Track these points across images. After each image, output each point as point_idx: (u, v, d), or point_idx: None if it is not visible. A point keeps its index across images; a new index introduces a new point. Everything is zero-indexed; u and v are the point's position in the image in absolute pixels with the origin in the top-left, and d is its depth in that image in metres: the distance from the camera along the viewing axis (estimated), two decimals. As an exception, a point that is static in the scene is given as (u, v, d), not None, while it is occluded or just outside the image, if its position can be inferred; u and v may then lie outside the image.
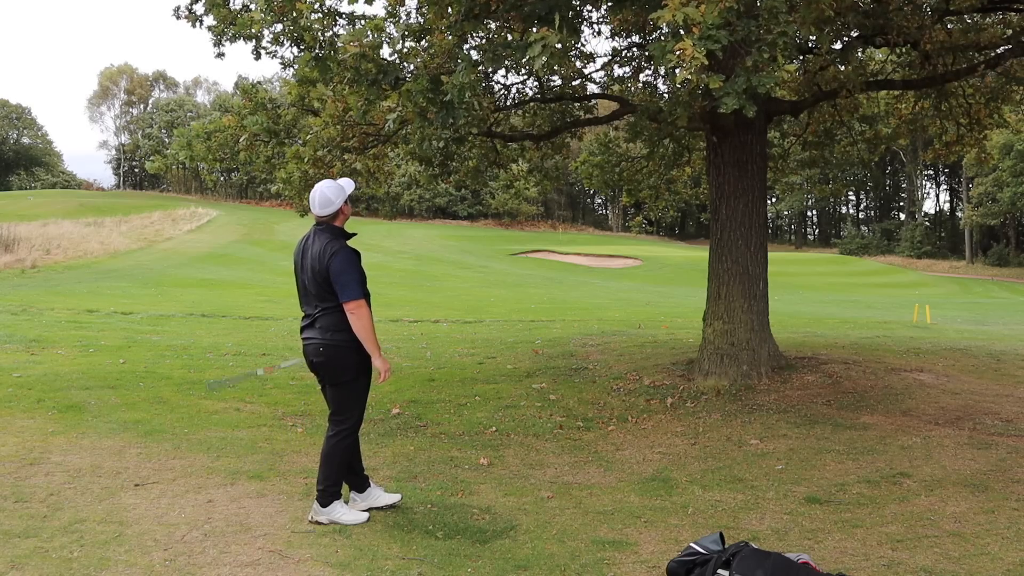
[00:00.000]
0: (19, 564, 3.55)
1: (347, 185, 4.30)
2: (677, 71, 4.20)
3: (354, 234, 4.38)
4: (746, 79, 4.57)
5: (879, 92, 9.59)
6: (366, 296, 4.20)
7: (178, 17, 7.12)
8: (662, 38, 4.36)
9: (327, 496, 4.19)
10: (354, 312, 4.12)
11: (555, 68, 6.00)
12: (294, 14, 6.23)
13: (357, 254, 4.22)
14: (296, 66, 6.93)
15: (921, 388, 7.31)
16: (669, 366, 8.27)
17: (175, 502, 4.45)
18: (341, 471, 4.28)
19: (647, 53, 8.99)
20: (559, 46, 4.48)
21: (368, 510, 4.34)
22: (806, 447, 5.73)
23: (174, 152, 8.60)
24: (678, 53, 4.08)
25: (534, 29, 5.10)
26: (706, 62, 4.06)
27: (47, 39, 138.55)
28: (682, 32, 4.12)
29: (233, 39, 6.79)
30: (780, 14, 4.65)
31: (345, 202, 4.27)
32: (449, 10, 5.82)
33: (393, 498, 4.46)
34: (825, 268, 43.30)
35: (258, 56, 6.96)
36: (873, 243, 66.59)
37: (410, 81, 5.89)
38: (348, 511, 4.24)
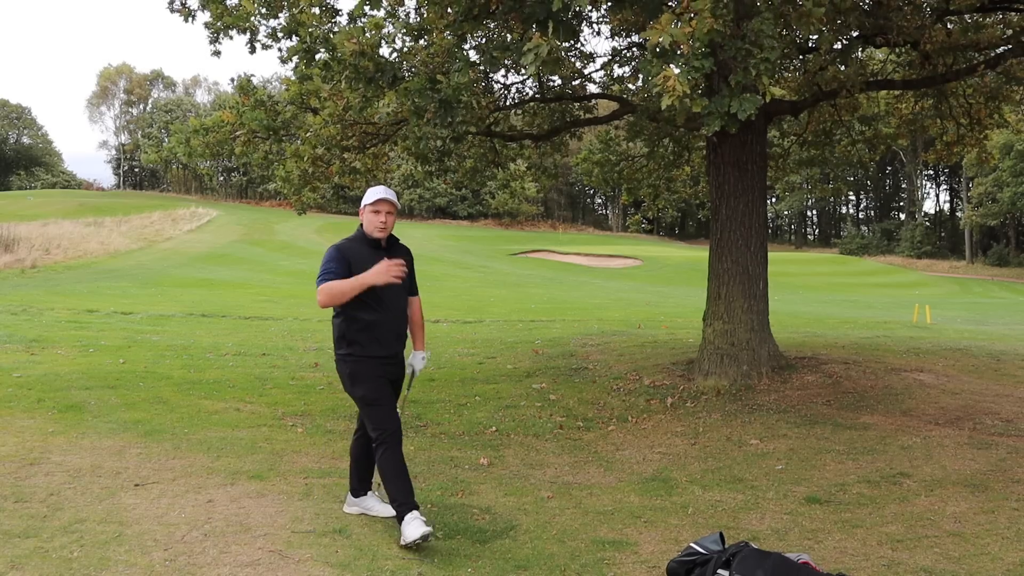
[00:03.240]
0: (19, 564, 3.55)
1: (371, 193, 4.16)
2: (662, 98, 4.25)
3: (357, 235, 4.23)
4: (728, 101, 4.61)
5: (879, 92, 9.60)
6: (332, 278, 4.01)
7: (172, 11, 7.13)
8: (650, 56, 4.38)
9: (400, 512, 3.99)
10: (319, 298, 4.02)
11: (548, 74, 6.02)
12: (295, 10, 6.23)
13: (335, 247, 4.13)
14: (293, 60, 6.93)
15: (921, 388, 7.31)
16: (669, 366, 8.27)
17: (175, 502, 4.45)
18: (399, 485, 4.03)
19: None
20: (550, 54, 4.50)
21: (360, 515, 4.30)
22: (806, 447, 5.73)
23: (170, 147, 8.59)
24: (663, 81, 4.13)
25: (534, 29, 5.11)
26: (688, 91, 4.12)
27: (47, 39, 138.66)
28: (668, 53, 4.17)
29: (226, 30, 6.79)
30: (766, 37, 4.67)
31: (363, 207, 4.18)
32: (449, 10, 5.83)
33: (387, 511, 4.21)
34: (825, 268, 43.31)
35: (253, 50, 6.97)
36: (873, 243, 66.62)
37: (408, 80, 5.89)
38: (414, 527, 3.91)
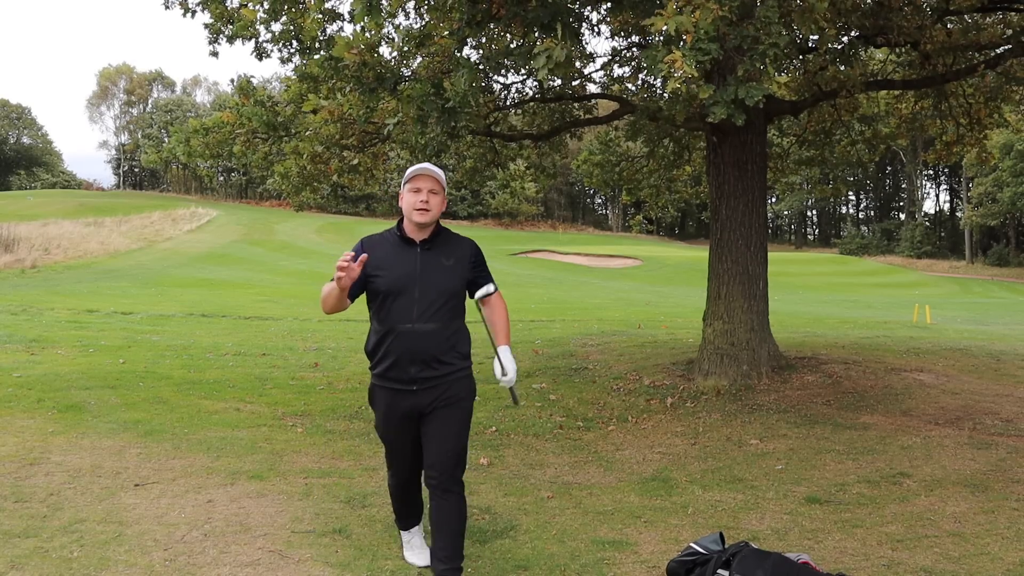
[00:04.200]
0: (19, 564, 3.55)
1: (410, 170, 3.35)
2: (667, 81, 4.20)
3: (393, 228, 3.42)
4: (735, 89, 4.58)
5: (879, 92, 9.60)
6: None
7: (168, 7, 7.13)
8: (656, 44, 4.37)
9: (397, 525, 3.83)
10: None
11: (561, 74, 6.02)
12: (295, 15, 6.23)
13: (360, 241, 3.39)
14: (297, 62, 6.92)
15: (921, 388, 7.31)
16: (669, 366, 8.27)
17: (175, 502, 4.45)
18: (396, 507, 3.73)
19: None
20: (564, 57, 4.48)
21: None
22: (806, 447, 5.73)
23: (170, 147, 8.59)
24: (668, 64, 4.09)
25: (536, 33, 5.11)
26: (695, 74, 4.08)
27: (47, 39, 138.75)
28: (673, 42, 4.13)
29: (231, 39, 6.81)
30: (772, 24, 4.66)
31: (402, 188, 3.36)
32: (452, 15, 5.83)
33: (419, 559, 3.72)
34: (825, 268, 43.31)
35: (260, 57, 6.99)
36: (873, 243, 66.64)
37: (410, 85, 5.89)
38: (407, 549, 3.78)
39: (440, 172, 3.31)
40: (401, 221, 3.36)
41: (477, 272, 3.40)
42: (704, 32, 4.02)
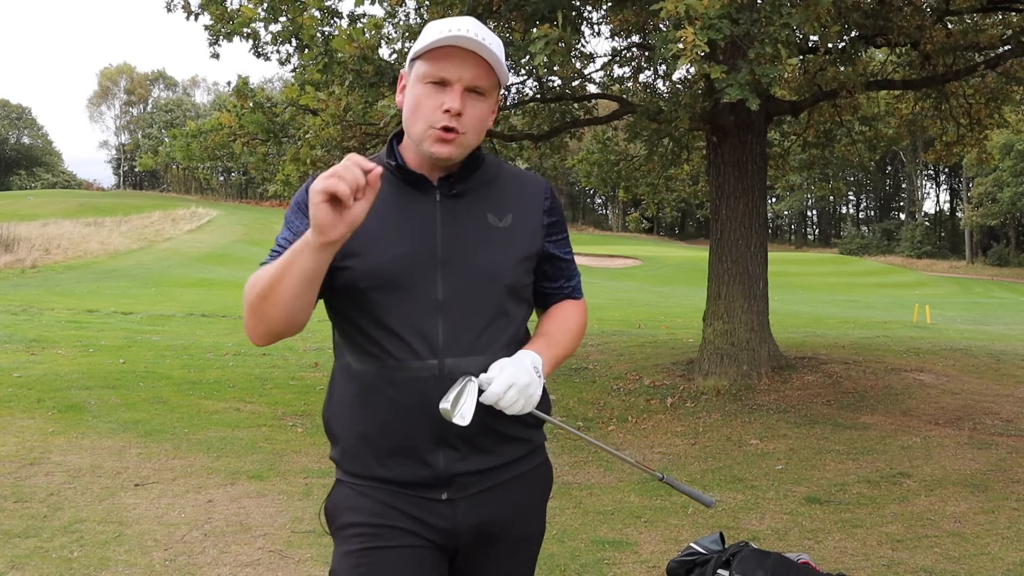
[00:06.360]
0: (19, 564, 3.55)
1: (428, 33, 1.42)
2: (678, 60, 4.18)
3: (381, 155, 1.54)
4: (749, 70, 4.57)
5: (879, 92, 9.60)
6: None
7: (170, 10, 7.16)
8: (664, 30, 4.35)
9: None
10: (245, 318, 1.55)
11: (555, 67, 6.04)
12: (294, 15, 6.24)
13: (304, 191, 1.58)
14: (296, 62, 6.93)
15: (921, 388, 7.31)
16: (669, 366, 8.27)
17: (175, 502, 4.45)
18: None
19: (646, 53, 9.00)
20: (561, 44, 4.47)
21: None
22: (806, 447, 5.73)
23: (166, 150, 8.58)
24: (680, 43, 4.08)
25: (535, 29, 5.11)
26: (707, 50, 4.06)
27: (47, 39, 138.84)
28: (684, 23, 4.13)
29: (229, 37, 6.82)
30: (782, 6, 4.65)
31: (408, 63, 1.51)
32: (451, 11, 5.83)
33: None
34: (825, 268, 43.28)
35: (258, 55, 7.00)
36: (873, 243, 66.63)
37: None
38: None
39: (495, 43, 1.46)
40: (396, 142, 1.56)
41: (554, 240, 1.63)
42: (714, 14, 4.02)
